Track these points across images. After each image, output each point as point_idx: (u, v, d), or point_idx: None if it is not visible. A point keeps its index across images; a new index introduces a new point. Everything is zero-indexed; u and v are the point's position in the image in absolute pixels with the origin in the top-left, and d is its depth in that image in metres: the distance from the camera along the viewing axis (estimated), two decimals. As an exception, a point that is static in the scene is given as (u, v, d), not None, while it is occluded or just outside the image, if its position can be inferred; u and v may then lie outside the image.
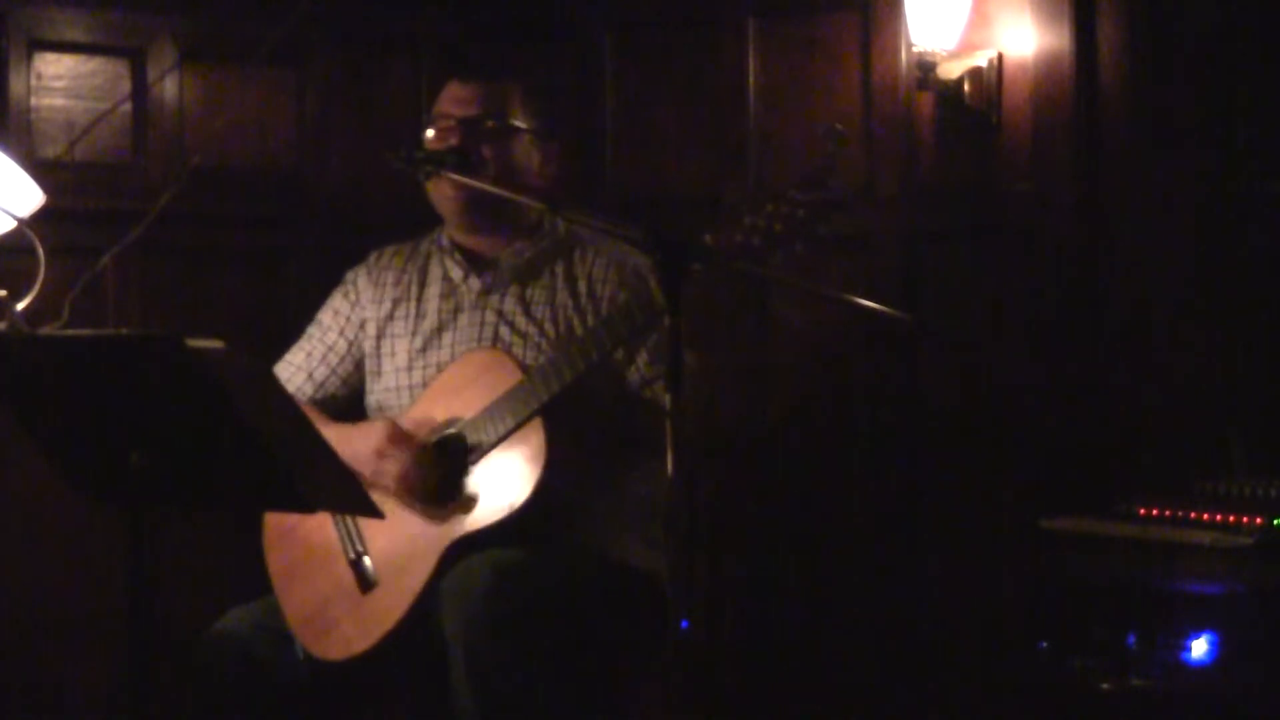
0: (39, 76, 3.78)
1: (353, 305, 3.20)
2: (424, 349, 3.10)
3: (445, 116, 3.08)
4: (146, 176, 3.83)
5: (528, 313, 3.06)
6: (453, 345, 3.07)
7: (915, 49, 3.68)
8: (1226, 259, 3.48)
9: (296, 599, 2.97)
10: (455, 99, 3.10)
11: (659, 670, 2.89)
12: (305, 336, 3.23)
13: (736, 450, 3.96)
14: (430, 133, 3.08)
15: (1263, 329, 3.44)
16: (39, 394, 2.46)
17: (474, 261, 3.14)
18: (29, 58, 3.76)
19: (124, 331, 2.78)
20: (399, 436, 2.93)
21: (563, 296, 3.06)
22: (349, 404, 3.19)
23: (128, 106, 3.85)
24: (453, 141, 3.04)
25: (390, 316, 3.16)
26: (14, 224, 3.19)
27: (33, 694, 3.73)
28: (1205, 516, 2.94)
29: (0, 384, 2.49)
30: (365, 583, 2.93)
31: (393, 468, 2.90)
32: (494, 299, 3.09)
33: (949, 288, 3.77)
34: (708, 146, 4.07)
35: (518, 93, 3.11)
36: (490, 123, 3.07)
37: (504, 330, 3.05)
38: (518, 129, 3.09)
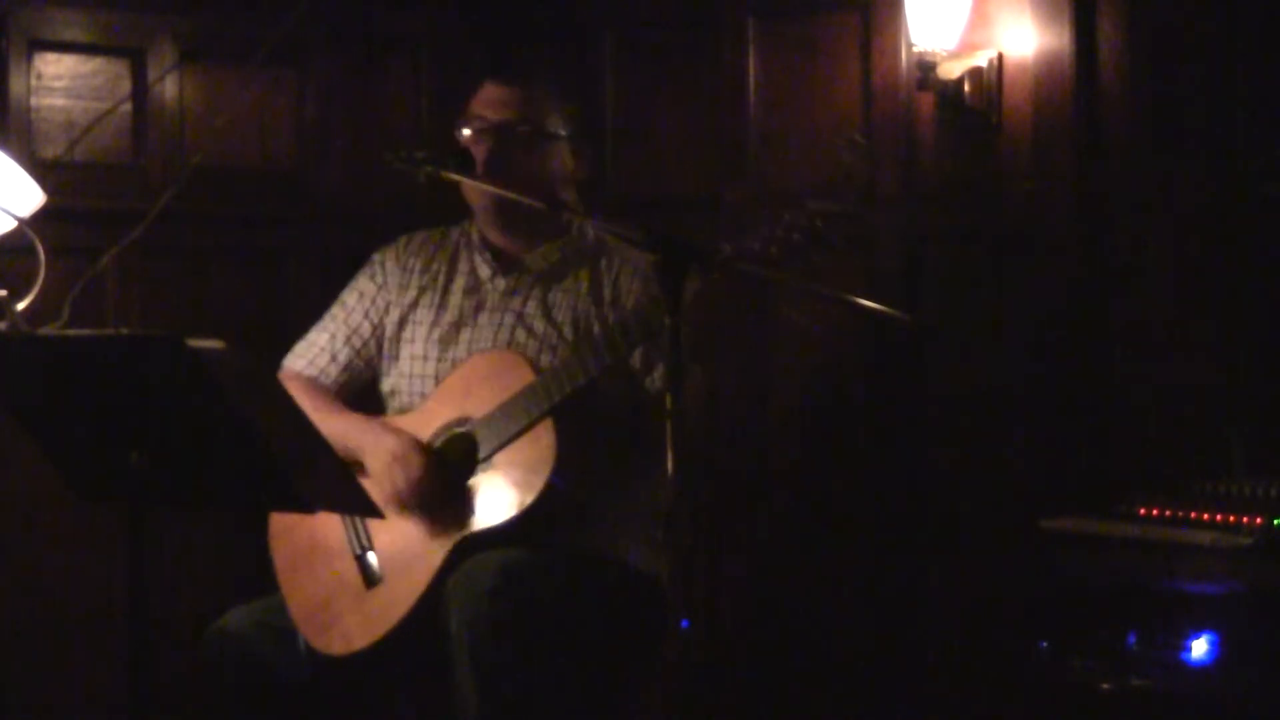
0: (39, 76, 3.78)
1: (379, 287, 3.19)
2: (441, 342, 3.09)
3: (479, 118, 3.07)
4: (146, 176, 3.83)
5: (548, 316, 3.05)
6: (470, 343, 3.07)
7: (915, 49, 3.68)
8: (1226, 259, 3.48)
9: (300, 592, 2.98)
10: (490, 101, 3.08)
11: (659, 670, 2.90)
12: (328, 317, 3.21)
13: (736, 450, 3.96)
14: (466, 131, 3.07)
15: (1263, 329, 3.44)
16: (39, 394, 2.46)
17: (502, 261, 3.13)
18: (29, 58, 3.76)
19: (124, 331, 2.78)
20: (410, 460, 2.90)
21: (585, 303, 3.06)
22: (371, 385, 3.18)
23: (128, 106, 3.85)
24: (487, 145, 3.02)
25: (414, 304, 3.15)
26: (14, 224, 3.19)
27: (33, 694, 3.73)
28: (1205, 516, 2.94)
29: (0, 384, 2.49)
30: (369, 579, 2.93)
31: (393, 488, 2.89)
32: (516, 300, 3.09)
33: (950, 288, 3.77)
34: (708, 146, 4.07)
35: (554, 98, 3.10)
36: (525, 128, 3.06)
37: (521, 333, 3.05)
38: (554, 135, 3.08)
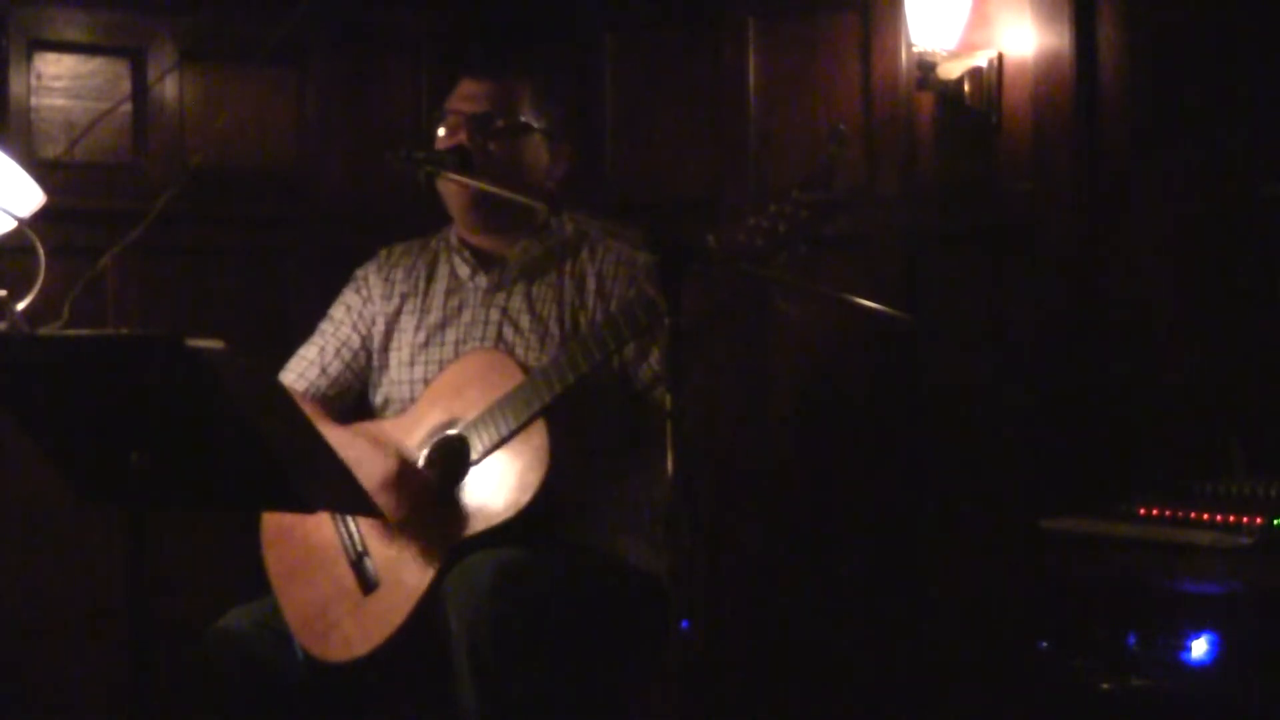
0: (39, 76, 3.78)
1: (364, 301, 3.21)
2: (426, 344, 3.10)
3: (455, 113, 3.09)
4: (146, 176, 3.83)
5: (533, 311, 3.06)
6: (456, 342, 3.07)
7: (915, 49, 3.68)
8: (1226, 259, 3.47)
9: (296, 600, 2.97)
10: (465, 96, 3.10)
11: (659, 670, 2.89)
12: (318, 332, 3.23)
13: (736, 450, 3.96)
14: (441, 130, 3.09)
15: (1262, 329, 3.44)
16: (39, 394, 2.46)
17: (482, 259, 3.14)
18: (29, 58, 3.76)
19: (124, 331, 2.78)
20: (408, 483, 2.89)
21: (570, 295, 3.06)
22: (361, 398, 3.19)
23: (128, 106, 3.85)
24: (461, 138, 3.04)
25: (398, 313, 3.16)
26: (14, 224, 3.19)
27: (33, 694, 3.73)
28: (1205, 516, 2.93)
29: (0, 384, 2.49)
30: (367, 584, 2.92)
31: (390, 506, 2.88)
32: (500, 297, 3.09)
33: (949, 287, 3.77)
34: (708, 147, 4.07)
35: (528, 91, 3.12)
36: (500, 121, 3.07)
37: (507, 329, 3.05)
38: (528, 128, 3.09)
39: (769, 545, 3.97)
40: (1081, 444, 3.58)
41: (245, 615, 2.98)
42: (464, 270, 3.14)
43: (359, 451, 2.92)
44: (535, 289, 3.08)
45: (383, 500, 2.85)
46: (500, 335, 3.05)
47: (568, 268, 3.09)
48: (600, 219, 2.91)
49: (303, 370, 3.19)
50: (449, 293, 3.14)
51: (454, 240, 3.18)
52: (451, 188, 3.07)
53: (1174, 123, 3.53)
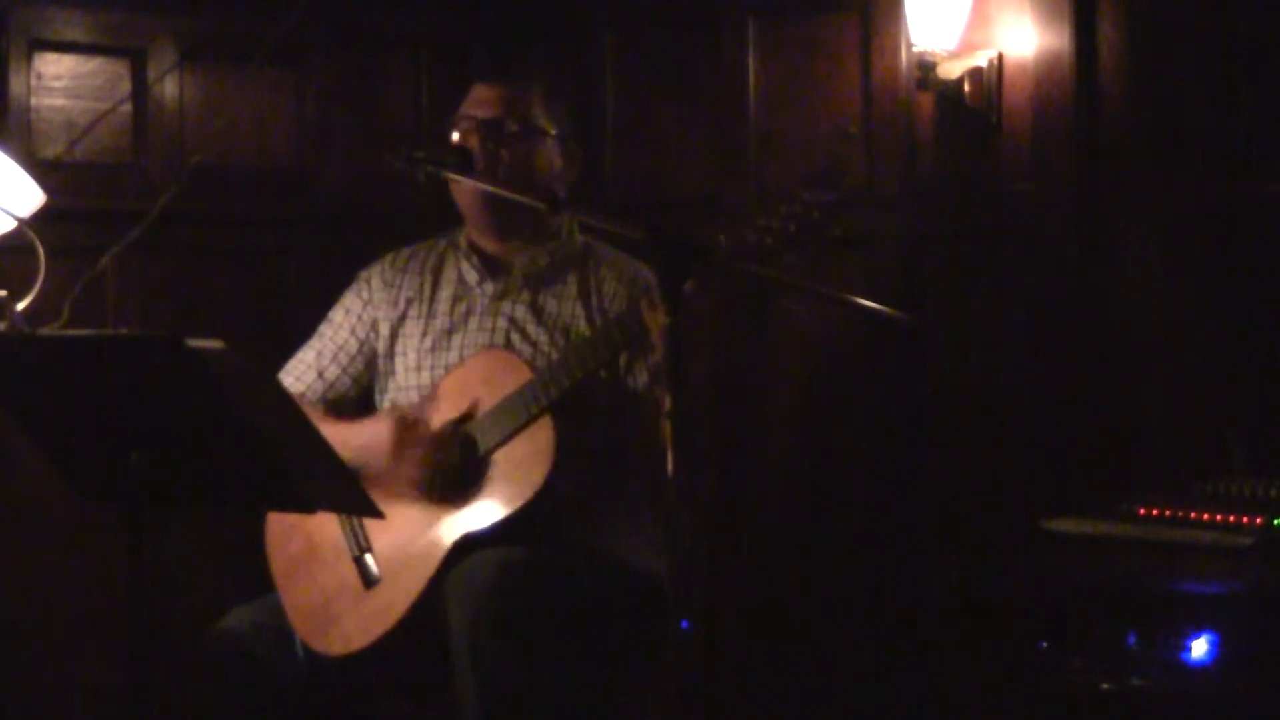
0: (39, 76, 3.78)
1: (365, 304, 3.20)
2: (433, 349, 3.10)
3: (467, 118, 3.09)
4: (146, 176, 3.83)
5: (539, 320, 3.06)
6: (462, 348, 3.07)
7: (915, 49, 3.68)
8: (1226, 259, 3.48)
9: (298, 595, 2.97)
10: (478, 100, 3.10)
11: (659, 670, 2.90)
12: (316, 335, 3.23)
13: (736, 450, 3.96)
14: (454, 135, 3.09)
15: (1262, 329, 3.44)
16: (39, 394, 2.46)
17: (490, 265, 3.14)
18: (29, 58, 3.76)
19: (124, 331, 2.78)
20: (411, 432, 2.92)
21: (575, 307, 3.06)
22: (360, 403, 3.19)
23: (128, 106, 3.85)
24: (473, 142, 3.04)
25: (403, 317, 3.16)
26: (14, 224, 3.20)
27: (33, 694, 3.73)
28: (1205, 516, 2.94)
29: (0, 384, 2.49)
30: (368, 579, 2.93)
31: (411, 465, 2.89)
32: (506, 304, 3.09)
33: (949, 288, 3.77)
34: (708, 146, 4.08)
35: (541, 96, 3.12)
36: (513, 125, 3.07)
37: (514, 336, 3.05)
38: (540, 132, 3.09)
39: (769, 545, 3.97)
40: (1081, 444, 3.58)
41: (246, 615, 2.98)
42: (472, 276, 3.14)
43: (370, 429, 2.95)
44: (541, 298, 3.08)
45: (396, 460, 2.88)
46: (508, 342, 3.05)
47: (573, 279, 3.09)
48: (601, 220, 2.91)
49: (300, 374, 3.19)
50: (456, 299, 3.13)
51: (464, 244, 3.17)
52: (463, 190, 3.07)
53: (1174, 122, 3.53)
